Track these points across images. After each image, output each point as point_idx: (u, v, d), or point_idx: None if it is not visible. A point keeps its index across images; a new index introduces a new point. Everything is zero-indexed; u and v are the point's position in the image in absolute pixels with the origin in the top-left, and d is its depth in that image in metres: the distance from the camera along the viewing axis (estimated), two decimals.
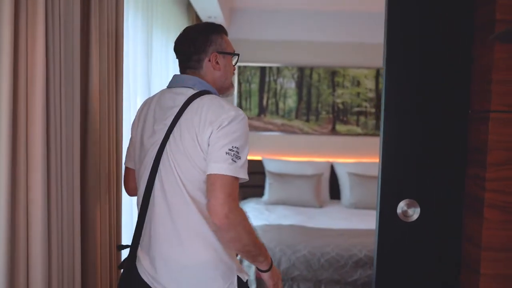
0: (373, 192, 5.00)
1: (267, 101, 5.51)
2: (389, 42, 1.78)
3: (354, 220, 4.46)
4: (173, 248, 1.61)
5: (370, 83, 5.52)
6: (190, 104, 1.61)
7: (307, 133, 5.53)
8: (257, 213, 4.61)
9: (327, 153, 5.54)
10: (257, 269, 1.74)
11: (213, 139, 1.55)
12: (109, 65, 1.95)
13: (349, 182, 5.18)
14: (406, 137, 1.80)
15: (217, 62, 1.73)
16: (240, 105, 5.48)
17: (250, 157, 5.56)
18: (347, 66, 5.51)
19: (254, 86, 5.49)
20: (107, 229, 1.96)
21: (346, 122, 5.55)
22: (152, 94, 3.25)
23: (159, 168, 1.62)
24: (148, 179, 1.64)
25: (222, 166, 1.51)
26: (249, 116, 5.50)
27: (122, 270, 1.77)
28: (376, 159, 5.47)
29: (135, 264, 1.70)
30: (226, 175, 1.51)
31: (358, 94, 5.54)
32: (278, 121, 5.52)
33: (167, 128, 1.62)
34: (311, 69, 5.49)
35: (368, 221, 4.43)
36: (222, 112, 1.56)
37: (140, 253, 1.70)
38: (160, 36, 3.66)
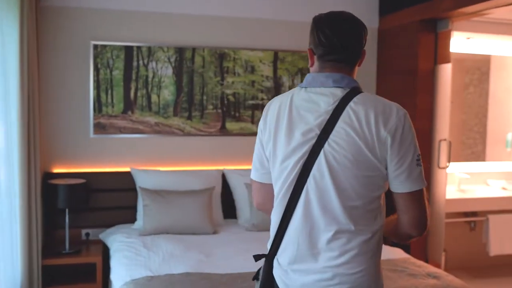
0: None
1: (135, 93, 4.12)
2: None
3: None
4: (334, 258, 1.51)
5: (267, 69, 4.40)
6: (348, 105, 1.49)
7: (189, 134, 4.26)
8: (132, 254, 3.24)
9: (216, 159, 4.33)
10: None
11: (396, 149, 1.47)
12: None
13: (247, 196, 4.03)
14: None
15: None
16: (98, 99, 4.02)
17: (114, 169, 4.16)
18: (238, 47, 4.33)
19: (118, 73, 4.07)
20: None
21: (238, 119, 4.38)
22: None
23: (312, 176, 1.51)
24: (294, 188, 1.54)
25: (419, 181, 1.50)
26: (112, 113, 4.07)
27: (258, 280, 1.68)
28: None
29: (272, 274, 1.64)
30: (422, 188, 1.52)
31: (253, 83, 4.39)
32: (151, 119, 4.17)
33: (317, 134, 1.51)
34: (193, 50, 4.22)
35: None
36: (391, 111, 1.49)
37: (282, 263, 1.60)
38: None
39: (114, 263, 3.19)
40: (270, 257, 1.63)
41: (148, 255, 3.20)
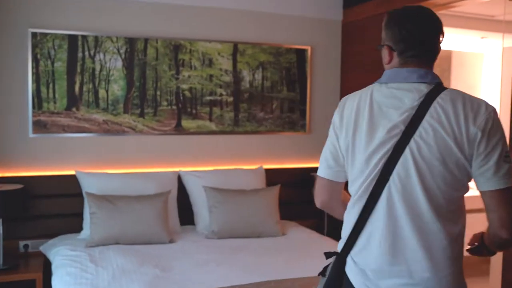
0: (241, 214, 3.61)
1: (80, 88, 3.71)
2: None
3: (232, 263, 3.00)
4: (419, 261, 1.47)
5: (226, 63, 4.09)
6: (435, 101, 1.46)
7: (141, 132, 3.89)
8: (77, 270, 2.84)
9: (171, 160, 3.98)
10: None
11: (484, 145, 1.43)
12: None
13: (206, 201, 3.71)
14: None
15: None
16: (38, 94, 3.59)
17: (57, 172, 3.70)
18: (195, 38, 3.99)
19: (60, 65, 3.64)
20: None
21: (195, 116, 4.05)
22: None
23: (396, 174, 1.47)
24: (374, 186, 1.50)
25: (506, 179, 1.44)
26: (54, 110, 3.65)
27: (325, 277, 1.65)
28: (241, 165, 4.09)
29: (345, 271, 1.59)
30: (511, 187, 1.45)
31: (211, 77, 4.07)
32: (99, 116, 3.77)
33: (402, 130, 1.47)
34: (145, 41, 3.85)
35: (254, 263, 3.01)
36: (480, 107, 1.45)
37: (358, 262, 1.55)
38: None
39: (55, 282, 2.79)
40: (343, 255, 1.60)
41: (96, 272, 2.82)
